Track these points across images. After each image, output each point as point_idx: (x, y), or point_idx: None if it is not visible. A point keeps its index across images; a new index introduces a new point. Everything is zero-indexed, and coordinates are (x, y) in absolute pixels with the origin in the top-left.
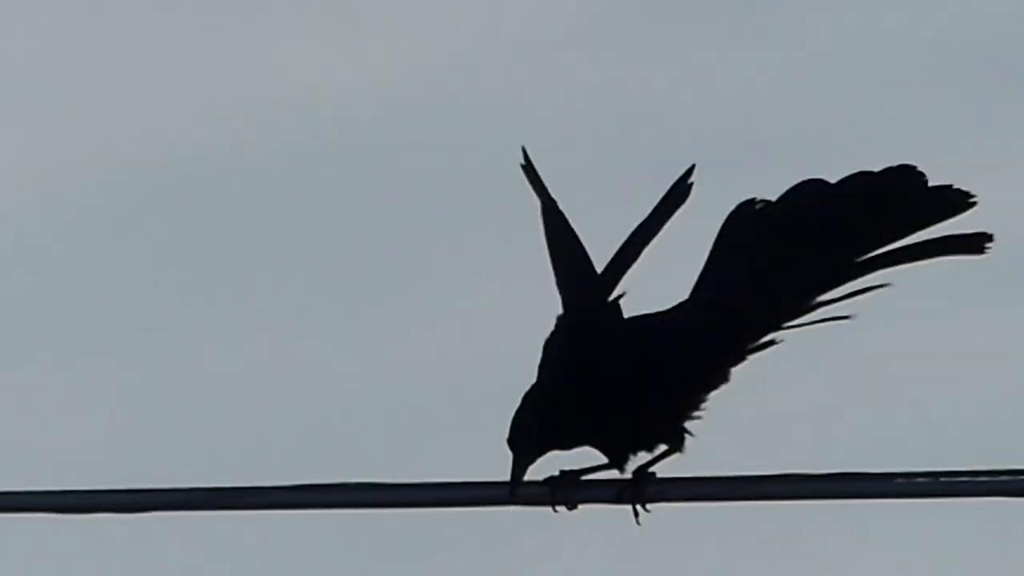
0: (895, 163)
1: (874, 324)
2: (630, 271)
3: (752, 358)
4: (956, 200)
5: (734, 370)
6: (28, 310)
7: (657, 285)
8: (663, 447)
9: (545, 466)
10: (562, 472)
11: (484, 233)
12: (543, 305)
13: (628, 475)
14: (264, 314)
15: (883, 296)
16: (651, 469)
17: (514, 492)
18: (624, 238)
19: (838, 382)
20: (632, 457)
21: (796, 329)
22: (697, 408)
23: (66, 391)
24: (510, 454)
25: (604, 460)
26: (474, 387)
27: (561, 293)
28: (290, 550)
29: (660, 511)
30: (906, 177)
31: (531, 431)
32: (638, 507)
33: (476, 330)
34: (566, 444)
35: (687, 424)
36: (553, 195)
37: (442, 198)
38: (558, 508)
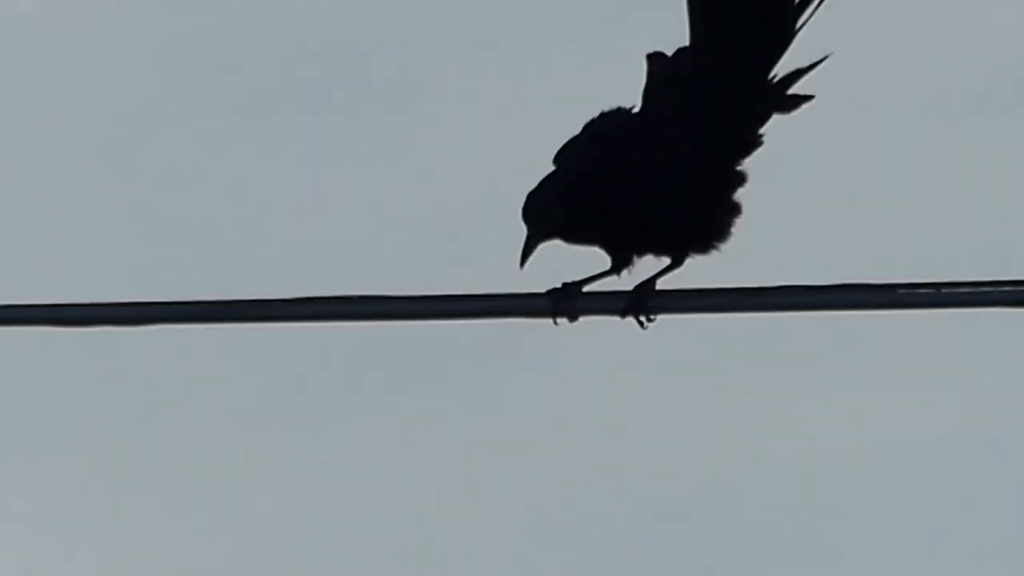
0: None
1: (874, 141)
2: None
3: (753, 152)
4: None
5: (742, 168)
6: (28, 131)
7: None
8: (666, 260)
9: (548, 279)
10: (564, 284)
11: (491, 54)
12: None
13: (630, 286)
14: (269, 135)
15: (882, 117)
16: (654, 282)
17: (523, 264)
18: None
19: (840, 193)
20: (636, 260)
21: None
22: (711, 214)
23: (64, 206)
24: (523, 228)
25: (606, 267)
26: (474, 205)
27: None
28: (296, 364)
29: (664, 322)
30: None
31: (548, 208)
32: (643, 317)
33: (480, 148)
34: (578, 234)
35: (698, 234)
36: None
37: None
38: (559, 320)
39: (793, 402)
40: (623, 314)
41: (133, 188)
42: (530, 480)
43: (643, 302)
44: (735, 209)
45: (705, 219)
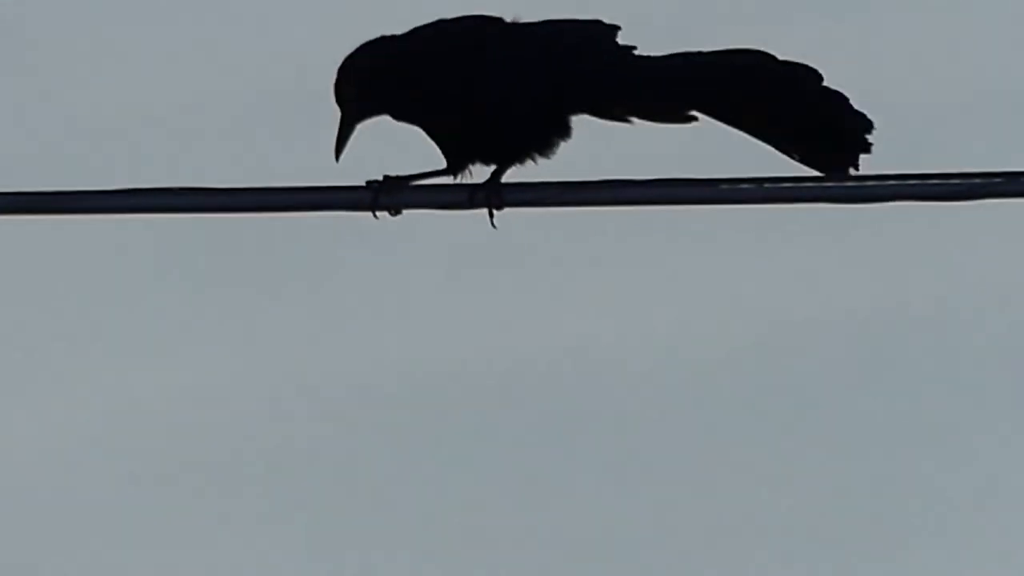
0: None
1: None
2: None
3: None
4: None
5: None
6: None
7: None
8: (503, 161)
9: (369, 172)
10: (386, 177)
11: None
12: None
13: (465, 180)
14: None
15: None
16: (498, 176)
17: (339, 153)
18: None
19: None
20: (469, 164)
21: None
22: (538, 138)
23: None
24: (336, 112)
25: (438, 168)
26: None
27: None
28: (120, 256)
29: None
30: None
31: (365, 77)
32: (493, 211)
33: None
34: (401, 109)
35: (526, 147)
36: None
37: None
38: (379, 213)
39: (606, 294)
40: (472, 205)
41: None
42: (336, 368)
43: (495, 193)
44: (567, 132)
45: (536, 136)
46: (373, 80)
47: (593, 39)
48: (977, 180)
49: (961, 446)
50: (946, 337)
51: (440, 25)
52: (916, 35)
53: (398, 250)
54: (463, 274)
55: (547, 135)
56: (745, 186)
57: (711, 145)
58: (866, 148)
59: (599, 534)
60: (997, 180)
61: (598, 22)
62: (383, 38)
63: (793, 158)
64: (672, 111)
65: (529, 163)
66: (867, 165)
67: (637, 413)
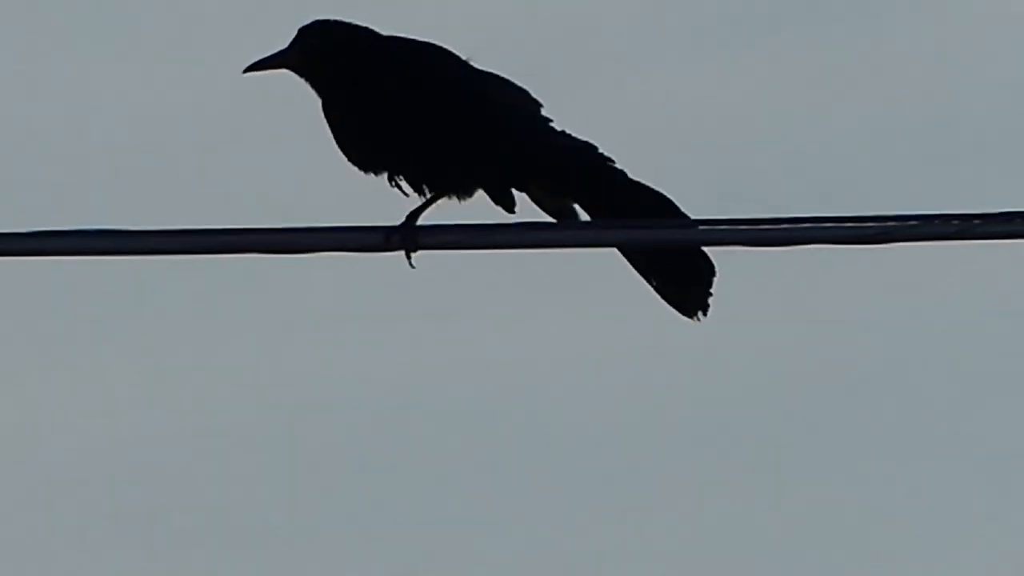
0: None
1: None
2: None
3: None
4: None
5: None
6: None
7: None
8: (433, 192)
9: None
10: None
11: None
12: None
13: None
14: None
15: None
16: (417, 216)
17: (255, 69)
18: None
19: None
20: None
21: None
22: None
23: None
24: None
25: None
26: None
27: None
28: (30, 298)
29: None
30: None
31: (330, 35)
32: (410, 253)
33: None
34: (342, 93)
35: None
36: None
37: None
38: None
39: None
40: (387, 248)
41: None
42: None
43: (410, 234)
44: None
45: (476, 177)
46: (333, 51)
47: (537, 111)
48: (892, 223)
49: (858, 485)
50: (862, 377)
51: (410, 41)
52: (829, 80)
53: (308, 289)
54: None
55: (480, 179)
56: (663, 229)
57: None
58: (707, 297)
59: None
60: (912, 223)
61: (526, 92)
62: (369, 28)
63: (653, 286)
64: (566, 201)
65: (450, 200)
66: (784, 208)
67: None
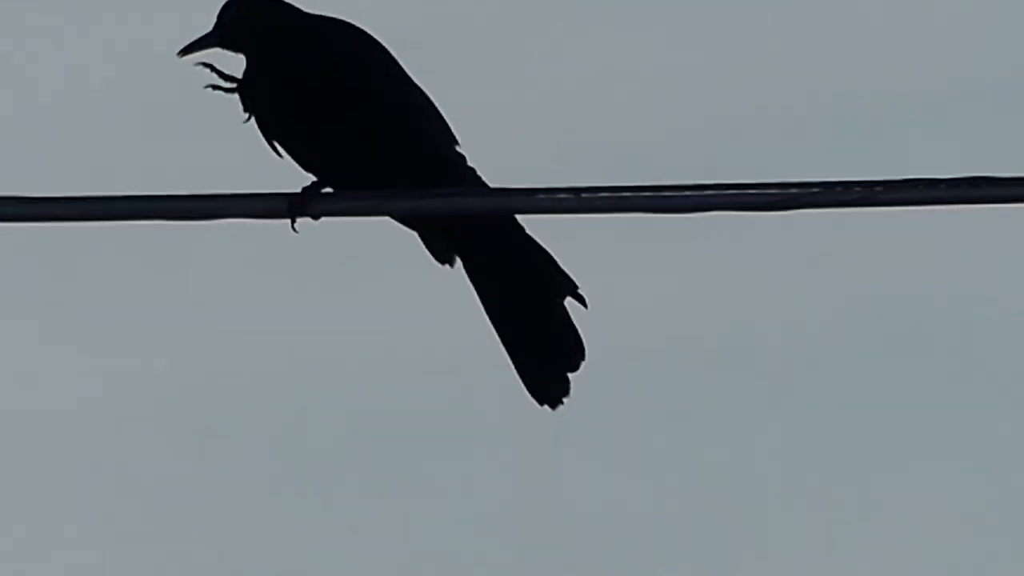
0: None
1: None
2: None
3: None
4: None
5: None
6: None
7: None
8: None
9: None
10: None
11: None
12: None
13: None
14: None
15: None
16: (315, 187)
17: (185, 52)
18: None
19: (490, 102)
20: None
21: None
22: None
23: None
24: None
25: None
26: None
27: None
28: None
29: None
30: None
31: (245, 22)
32: (301, 219)
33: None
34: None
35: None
36: None
37: None
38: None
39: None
40: (289, 214)
41: None
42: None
43: (301, 201)
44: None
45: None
46: (251, 24)
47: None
48: (794, 190)
49: (757, 452)
50: (762, 345)
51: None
52: (730, 49)
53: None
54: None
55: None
56: (562, 195)
57: (525, 157)
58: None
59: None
60: (815, 190)
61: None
62: (290, 5)
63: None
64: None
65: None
66: (688, 176)
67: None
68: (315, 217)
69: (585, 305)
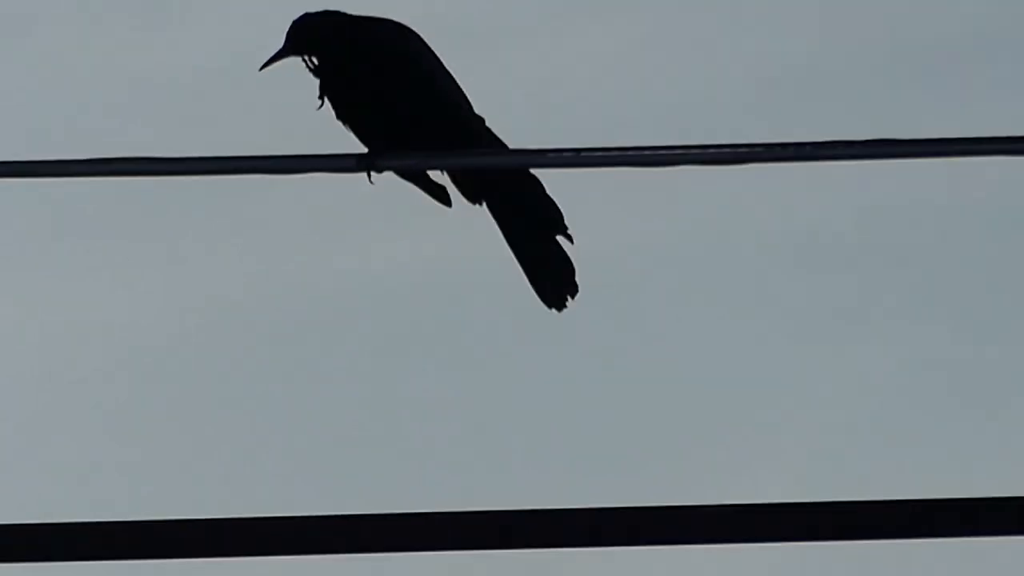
0: None
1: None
2: None
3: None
4: None
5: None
6: None
7: None
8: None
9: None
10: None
11: None
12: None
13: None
14: None
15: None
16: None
17: (265, 66)
18: None
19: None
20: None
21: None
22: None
23: None
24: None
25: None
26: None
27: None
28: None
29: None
30: None
31: (316, 28)
32: (372, 172)
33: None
34: (321, 69)
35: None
36: None
37: None
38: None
39: None
40: (358, 168)
41: None
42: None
43: (370, 161)
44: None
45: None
46: (313, 34)
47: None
48: (743, 149)
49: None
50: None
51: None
52: (693, 26)
53: None
54: None
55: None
56: (567, 154)
57: None
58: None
59: None
60: (758, 149)
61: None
62: (340, 13)
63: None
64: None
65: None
66: (661, 138)
67: None
68: (380, 171)
69: (572, 241)
